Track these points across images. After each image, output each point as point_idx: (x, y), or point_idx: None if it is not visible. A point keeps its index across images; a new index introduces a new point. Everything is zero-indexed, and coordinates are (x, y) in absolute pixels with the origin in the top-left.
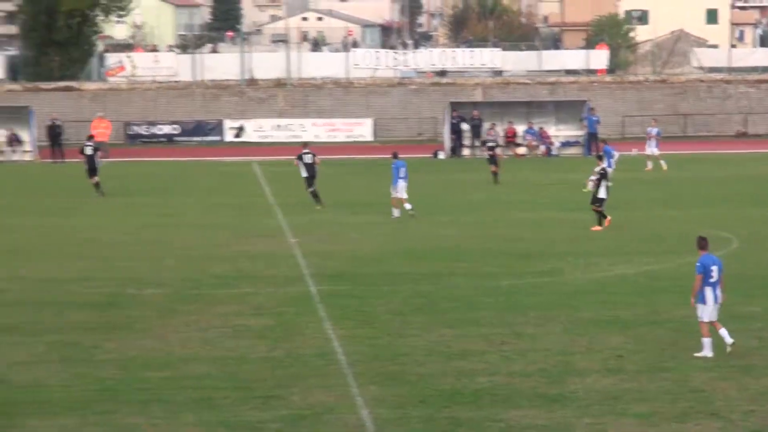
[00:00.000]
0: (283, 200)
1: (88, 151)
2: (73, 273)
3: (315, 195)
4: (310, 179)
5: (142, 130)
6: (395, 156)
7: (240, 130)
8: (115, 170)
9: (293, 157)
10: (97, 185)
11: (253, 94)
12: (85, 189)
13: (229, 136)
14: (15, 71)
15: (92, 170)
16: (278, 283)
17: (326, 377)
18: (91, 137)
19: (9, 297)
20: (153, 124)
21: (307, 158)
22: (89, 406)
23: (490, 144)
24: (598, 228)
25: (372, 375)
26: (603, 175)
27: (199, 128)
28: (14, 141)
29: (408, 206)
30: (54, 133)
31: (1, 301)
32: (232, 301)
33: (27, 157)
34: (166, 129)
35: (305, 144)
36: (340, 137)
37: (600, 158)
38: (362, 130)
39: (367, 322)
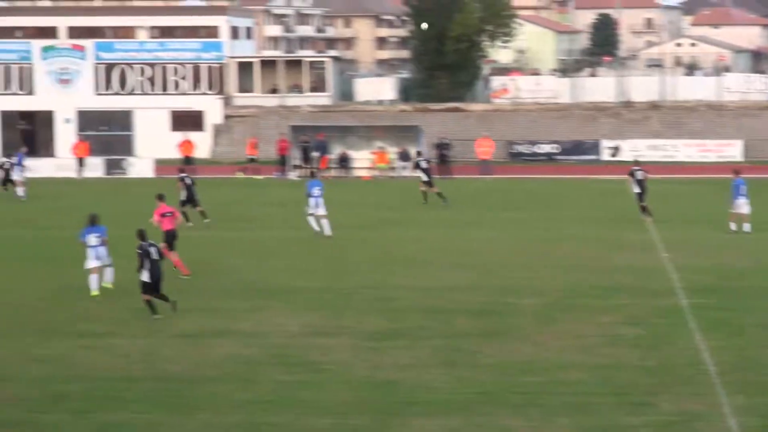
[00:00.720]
0: (656, 216)
1: (424, 165)
2: (456, 282)
3: (644, 209)
4: (641, 194)
5: (524, 148)
6: (737, 173)
7: (616, 150)
8: (498, 186)
9: (656, 175)
10: (439, 194)
11: (629, 115)
12: (470, 203)
13: (605, 156)
14: (407, 93)
15: (429, 182)
16: (651, 294)
17: (695, 386)
18: (419, 153)
19: (399, 304)
20: (534, 143)
21: (639, 175)
22: (471, 407)
23: None
24: None
25: (740, 385)
26: None
27: (577, 147)
28: (405, 157)
29: (746, 226)
30: (442, 151)
31: (394, 308)
32: (607, 310)
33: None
34: (547, 148)
35: (637, 162)
36: (711, 157)
37: None
38: (732, 150)
39: (735, 333)
